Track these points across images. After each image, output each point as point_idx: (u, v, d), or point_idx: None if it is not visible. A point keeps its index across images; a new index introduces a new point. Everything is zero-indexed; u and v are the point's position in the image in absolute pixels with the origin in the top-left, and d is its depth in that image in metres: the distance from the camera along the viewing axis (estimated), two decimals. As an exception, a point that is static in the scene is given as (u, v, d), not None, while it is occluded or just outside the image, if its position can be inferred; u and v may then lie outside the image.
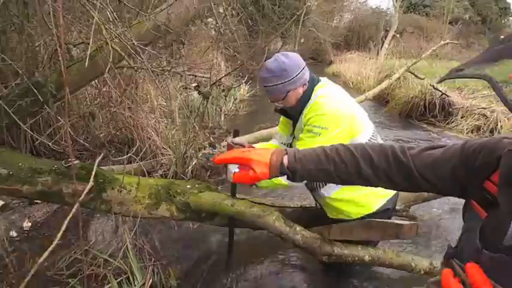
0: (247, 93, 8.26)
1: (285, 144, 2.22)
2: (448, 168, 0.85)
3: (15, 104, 2.54)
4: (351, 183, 0.99)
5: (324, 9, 16.72)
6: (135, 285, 2.00)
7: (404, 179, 0.92)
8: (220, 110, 6.24)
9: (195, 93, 5.24)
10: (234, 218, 2.11)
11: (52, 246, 1.32)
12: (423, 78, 7.37)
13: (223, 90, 3.25)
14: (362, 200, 1.90)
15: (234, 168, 1.93)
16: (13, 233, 2.63)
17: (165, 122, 4.31)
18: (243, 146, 2.08)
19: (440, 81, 0.88)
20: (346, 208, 1.93)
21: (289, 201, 2.68)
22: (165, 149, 3.79)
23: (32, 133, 2.48)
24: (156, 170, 3.60)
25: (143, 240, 2.32)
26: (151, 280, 2.03)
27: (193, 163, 3.62)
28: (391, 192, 1.94)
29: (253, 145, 2.22)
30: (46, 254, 1.29)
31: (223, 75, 4.05)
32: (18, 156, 2.28)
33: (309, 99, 1.84)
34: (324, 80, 1.92)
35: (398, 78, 7.87)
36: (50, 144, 2.56)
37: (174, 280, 2.17)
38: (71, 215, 1.40)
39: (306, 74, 1.82)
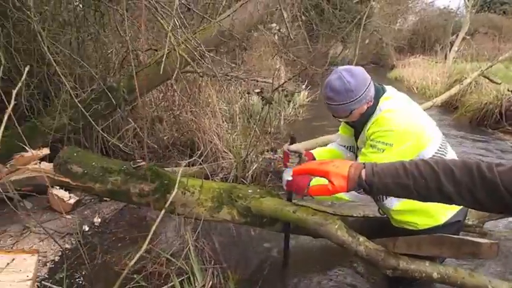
0: (307, 98, 8.17)
1: (347, 148, 2.13)
2: None
3: (91, 107, 2.73)
4: (431, 200, 0.94)
5: (387, 11, 16.10)
6: (195, 286, 2.03)
7: (487, 195, 0.84)
8: (280, 115, 6.23)
9: (255, 98, 5.29)
10: (289, 223, 2.08)
11: (143, 249, 1.41)
12: (500, 83, 6.78)
13: (286, 96, 3.24)
14: (430, 210, 1.77)
15: (287, 176, 1.91)
16: (85, 228, 2.81)
17: (226, 126, 4.38)
18: (299, 153, 2.05)
19: None
20: (412, 219, 1.81)
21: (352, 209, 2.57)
22: (226, 152, 3.85)
23: (103, 134, 2.65)
24: (216, 173, 3.66)
25: (204, 242, 2.35)
26: (211, 282, 2.05)
27: (254, 167, 3.64)
28: None
29: (310, 151, 2.18)
30: (137, 257, 1.40)
31: (285, 80, 4.04)
32: (92, 156, 2.43)
33: (374, 111, 1.76)
34: (389, 91, 1.82)
35: (470, 83, 7.32)
36: (120, 145, 2.71)
37: (232, 284, 2.17)
38: (159, 220, 1.48)
39: (372, 91, 1.72)
